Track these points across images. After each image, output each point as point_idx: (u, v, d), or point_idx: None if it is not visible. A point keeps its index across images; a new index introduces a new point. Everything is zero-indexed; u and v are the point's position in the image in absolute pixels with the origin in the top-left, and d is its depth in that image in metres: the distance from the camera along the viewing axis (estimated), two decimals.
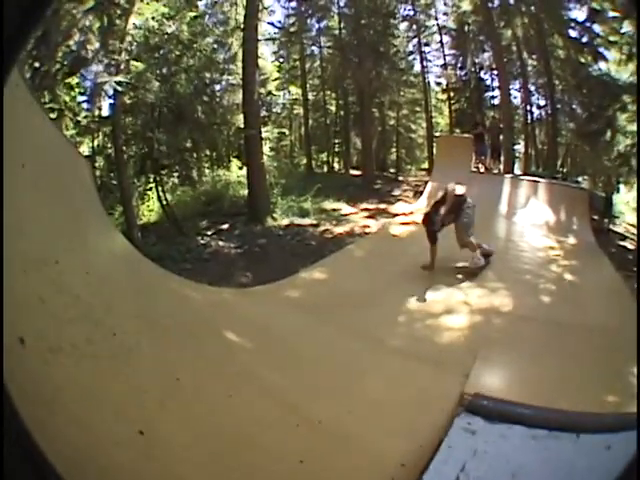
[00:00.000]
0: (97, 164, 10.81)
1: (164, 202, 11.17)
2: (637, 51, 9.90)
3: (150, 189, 11.39)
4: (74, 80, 10.30)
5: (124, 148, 10.68)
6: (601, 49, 11.20)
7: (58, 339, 2.76)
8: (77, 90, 10.46)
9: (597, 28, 11.19)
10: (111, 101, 10.28)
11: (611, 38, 10.85)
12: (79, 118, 10.58)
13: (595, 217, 10.21)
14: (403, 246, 8.98)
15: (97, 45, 9.88)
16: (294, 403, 3.57)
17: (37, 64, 9.30)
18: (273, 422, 3.26)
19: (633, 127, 10.36)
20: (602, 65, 11.24)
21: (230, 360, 4.10)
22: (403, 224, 10.25)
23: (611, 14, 10.70)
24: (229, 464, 2.75)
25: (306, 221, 10.72)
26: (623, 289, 7.18)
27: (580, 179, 12.13)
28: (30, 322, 2.55)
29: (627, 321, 5.75)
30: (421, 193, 12.13)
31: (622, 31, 10.57)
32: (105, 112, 10.56)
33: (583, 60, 11.58)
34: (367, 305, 6.03)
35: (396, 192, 13.12)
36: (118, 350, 3.23)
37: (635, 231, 10.03)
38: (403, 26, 14.46)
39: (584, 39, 11.51)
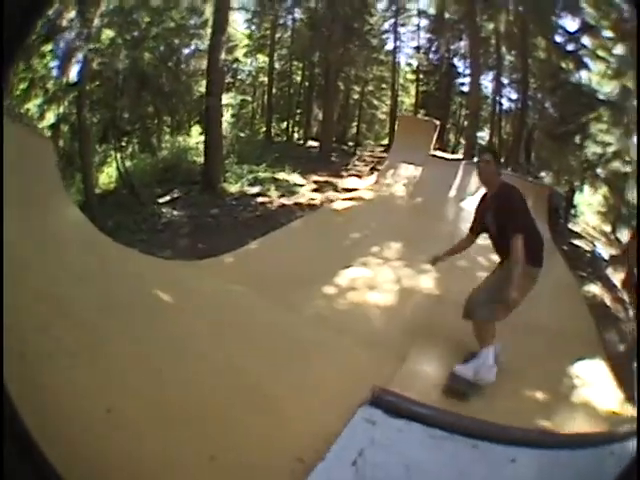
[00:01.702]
0: (61, 132, 10.71)
1: (122, 170, 11.17)
2: (637, 51, 9.97)
3: (110, 156, 11.36)
4: (47, 47, 10.10)
5: (88, 116, 10.62)
6: (586, 59, 11.26)
7: (40, 342, 2.88)
8: (49, 58, 10.27)
9: (586, 40, 11.21)
10: (79, 68, 10.23)
11: (599, 53, 10.84)
12: (48, 86, 10.43)
13: (554, 214, 10.27)
14: (343, 222, 9.17)
15: (73, 13, 9.78)
16: (237, 376, 3.76)
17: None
18: (218, 394, 3.45)
19: (606, 137, 10.54)
20: (583, 74, 11.38)
21: (182, 337, 4.22)
22: (347, 199, 10.38)
23: (606, 33, 10.62)
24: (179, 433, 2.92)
25: (258, 191, 10.84)
26: (574, 288, 7.38)
27: (543, 174, 12.37)
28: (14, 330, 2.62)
29: (573, 321, 6.05)
30: (374, 170, 12.30)
31: (613, 52, 10.55)
32: (73, 79, 10.43)
33: (564, 65, 11.71)
34: (308, 281, 6.16)
35: (350, 166, 13.19)
36: (92, 342, 3.38)
37: (593, 232, 10.40)
38: (382, 5, 14.51)
39: (569, 47, 11.58)
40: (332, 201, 10.40)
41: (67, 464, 1.65)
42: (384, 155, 12.68)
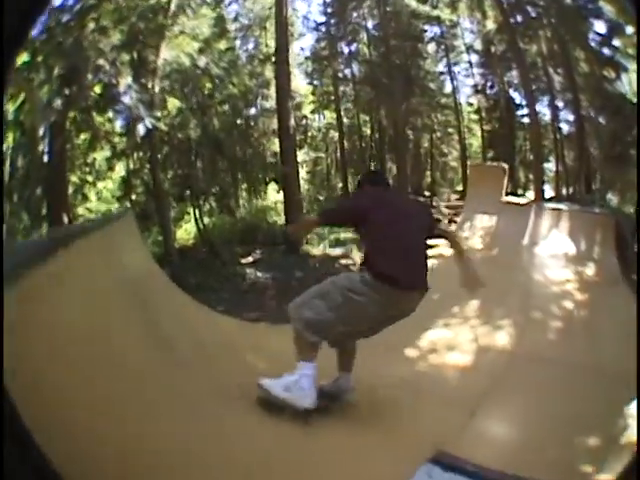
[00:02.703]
0: (133, 184, 11.32)
1: (201, 227, 11.59)
2: (637, 51, 9.76)
3: (188, 213, 11.87)
4: (109, 113, 10.71)
5: (162, 175, 11.16)
6: (622, 61, 11.09)
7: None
8: (111, 113, 10.79)
9: (617, 41, 11.18)
10: (145, 130, 10.40)
11: (630, 51, 10.72)
12: (114, 141, 10.98)
13: (622, 243, 9.66)
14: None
15: (129, 80, 10.13)
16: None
17: (67, 90, 9.49)
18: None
19: None
20: (624, 80, 11.13)
21: None
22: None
23: (629, 29, 10.46)
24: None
25: (341, 253, 10.97)
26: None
27: (610, 196, 12.12)
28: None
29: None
30: (451, 222, 12.15)
31: None
32: (140, 134, 10.63)
33: (606, 73, 11.51)
34: (389, 343, 6.26)
35: None
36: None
37: None
38: (431, 48, 14.82)
39: (605, 51, 11.52)
40: None
41: (67, 464, 1.67)
42: (459, 203, 12.68)
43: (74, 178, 10.76)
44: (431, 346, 6.43)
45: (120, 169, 11.41)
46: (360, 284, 3.34)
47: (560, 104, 13.21)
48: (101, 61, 9.77)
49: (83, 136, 10.66)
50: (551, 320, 7.24)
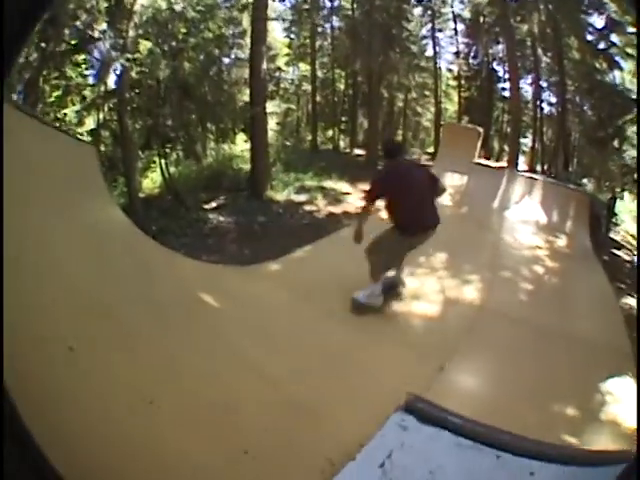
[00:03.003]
0: (102, 137, 10.95)
1: (167, 175, 11.36)
2: (637, 51, 9.81)
3: (154, 162, 11.57)
4: (81, 56, 10.42)
5: (129, 122, 10.82)
6: (617, 58, 11.10)
7: (58, 336, 2.89)
8: (84, 66, 10.55)
9: (615, 38, 11.11)
10: (117, 76, 10.46)
11: (628, 50, 10.73)
12: (85, 93, 10.73)
13: (595, 223, 10.02)
14: None
15: (104, 25, 10.02)
16: (274, 380, 3.83)
17: (44, 44, 9.41)
18: (253, 396, 3.53)
19: None
20: (617, 74, 11.17)
21: (221, 340, 4.27)
22: None
23: (630, 29, 10.51)
24: (211, 432, 3.02)
25: (306, 199, 10.92)
26: (612, 300, 7.21)
27: (585, 180, 12.14)
28: (31, 321, 2.70)
29: (608, 334, 5.91)
30: None
31: None
32: (111, 86, 10.68)
33: (598, 65, 11.51)
34: (353, 289, 6.16)
35: None
36: (118, 338, 3.39)
37: (633, 241, 10.06)
38: (417, 11, 14.47)
39: (601, 45, 11.42)
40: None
41: (67, 464, 1.67)
42: (430, 163, 12.64)
43: None
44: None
45: (90, 123, 10.99)
46: (396, 235, 5.58)
47: (544, 84, 13.09)
48: (79, 10, 9.69)
49: (55, 93, 10.41)
50: (520, 281, 7.38)
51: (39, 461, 1.56)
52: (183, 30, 11.49)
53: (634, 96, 10.51)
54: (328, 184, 11.70)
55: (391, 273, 6.16)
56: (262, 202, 10.60)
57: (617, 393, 4.60)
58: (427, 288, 6.67)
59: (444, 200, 10.41)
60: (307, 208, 10.52)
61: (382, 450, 2.68)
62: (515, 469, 2.48)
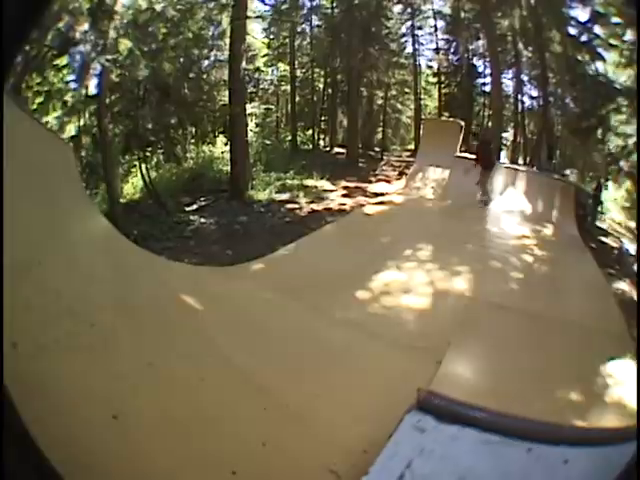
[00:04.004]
0: (83, 143, 10.74)
1: (147, 179, 11.21)
2: (637, 51, 9.83)
3: (134, 167, 11.42)
4: (63, 61, 10.26)
5: (110, 126, 10.73)
6: (600, 50, 11.15)
7: (45, 338, 2.80)
8: (65, 71, 10.41)
9: (598, 30, 11.12)
10: (98, 80, 10.31)
11: (612, 41, 10.78)
12: (66, 98, 10.54)
13: (581, 212, 10.21)
14: (375, 225, 9.18)
15: (86, 26, 9.86)
16: (263, 386, 3.61)
17: (26, 47, 9.05)
18: (241, 405, 3.31)
19: (627, 129, 10.44)
20: (599, 65, 11.20)
21: (204, 343, 4.11)
22: (378, 204, 10.43)
23: (614, 20, 10.59)
24: (196, 446, 2.74)
25: (287, 198, 10.91)
26: (604, 285, 7.26)
27: (568, 172, 12.08)
28: (20, 324, 2.60)
29: (604, 319, 5.88)
30: (402, 174, 12.45)
31: (624, 38, 10.50)
32: (92, 91, 10.51)
33: (580, 58, 11.56)
34: (339, 286, 6.05)
35: (378, 171, 13.34)
36: (96, 341, 3.27)
37: (619, 229, 10.19)
38: (397, 8, 14.49)
39: (583, 38, 11.46)
40: (362, 206, 10.46)
41: (67, 464, 1.64)
42: (411, 159, 12.67)
43: None
44: (386, 288, 6.32)
45: (71, 129, 10.77)
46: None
47: (526, 78, 13.16)
48: (62, 12, 9.50)
49: (38, 100, 10.25)
50: (509, 270, 7.35)
51: (39, 461, 1.56)
52: (163, 30, 11.40)
53: (617, 86, 10.62)
54: (310, 182, 11.72)
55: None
56: (243, 202, 10.57)
57: (617, 374, 4.57)
58: (418, 281, 6.64)
59: (427, 194, 10.59)
60: (289, 206, 10.49)
61: (399, 459, 2.35)
62: (549, 460, 2.25)
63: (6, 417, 1.52)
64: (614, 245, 9.79)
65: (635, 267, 8.58)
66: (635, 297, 7.27)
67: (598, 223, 10.53)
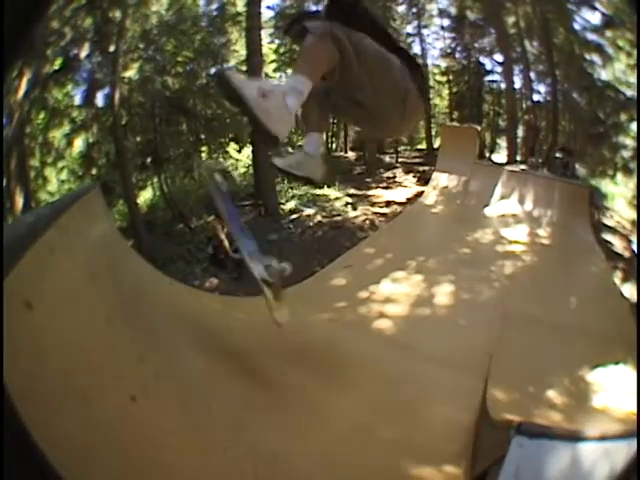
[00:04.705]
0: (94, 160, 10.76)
1: (168, 196, 11.22)
2: (637, 51, 9.83)
3: (149, 182, 11.38)
4: (68, 77, 10.15)
5: (124, 143, 10.71)
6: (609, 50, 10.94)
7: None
8: (69, 87, 10.29)
9: (608, 32, 10.88)
10: (105, 96, 10.30)
11: (620, 43, 10.59)
12: (73, 115, 10.47)
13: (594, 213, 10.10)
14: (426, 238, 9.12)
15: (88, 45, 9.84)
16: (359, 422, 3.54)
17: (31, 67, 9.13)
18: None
19: None
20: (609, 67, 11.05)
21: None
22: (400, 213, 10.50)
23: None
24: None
25: (313, 211, 10.80)
26: (615, 287, 7.29)
27: (577, 166, 12.01)
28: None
29: (615, 321, 5.76)
30: (421, 179, 12.55)
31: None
32: (99, 103, 10.49)
33: (588, 56, 11.44)
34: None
35: (398, 178, 13.40)
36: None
37: (626, 225, 10.07)
38: (402, 9, 14.47)
39: (592, 37, 11.20)
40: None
41: (67, 464, 1.64)
42: (424, 161, 12.76)
43: (34, 162, 10.07)
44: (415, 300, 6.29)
45: (79, 145, 10.68)
46: None
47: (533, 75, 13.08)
48: (65, 28, 9.36)
49: (42, 115, 10.06)
50: (530, 280, 7.27)
51: (39, 461, 1.55)
52: (174, 43, 11.42)
53: (629, 93, 10.57)
54: (330, 193, 11.65)
55: None
56: (270, 218, 10.45)
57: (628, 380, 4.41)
58: (445, 291, 6.61)
59: (446, 201, 10.54)
60: (315, 222, 10.43)
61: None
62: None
63: (6, 417, 1.53)
64: (624, 245, 9.63)
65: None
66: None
67: (606, 221, 10.38)
